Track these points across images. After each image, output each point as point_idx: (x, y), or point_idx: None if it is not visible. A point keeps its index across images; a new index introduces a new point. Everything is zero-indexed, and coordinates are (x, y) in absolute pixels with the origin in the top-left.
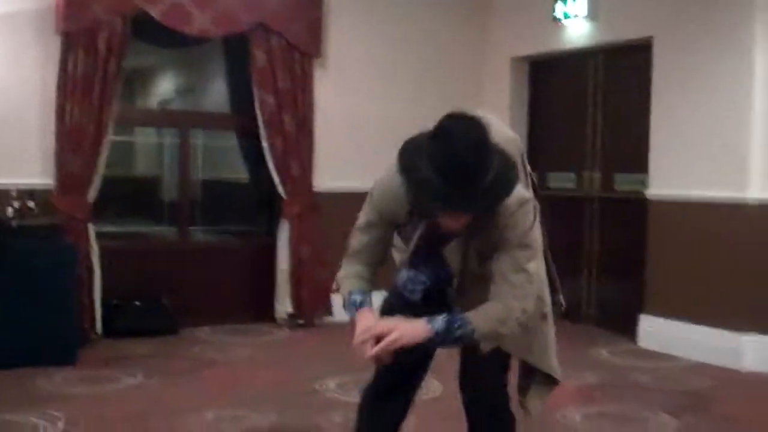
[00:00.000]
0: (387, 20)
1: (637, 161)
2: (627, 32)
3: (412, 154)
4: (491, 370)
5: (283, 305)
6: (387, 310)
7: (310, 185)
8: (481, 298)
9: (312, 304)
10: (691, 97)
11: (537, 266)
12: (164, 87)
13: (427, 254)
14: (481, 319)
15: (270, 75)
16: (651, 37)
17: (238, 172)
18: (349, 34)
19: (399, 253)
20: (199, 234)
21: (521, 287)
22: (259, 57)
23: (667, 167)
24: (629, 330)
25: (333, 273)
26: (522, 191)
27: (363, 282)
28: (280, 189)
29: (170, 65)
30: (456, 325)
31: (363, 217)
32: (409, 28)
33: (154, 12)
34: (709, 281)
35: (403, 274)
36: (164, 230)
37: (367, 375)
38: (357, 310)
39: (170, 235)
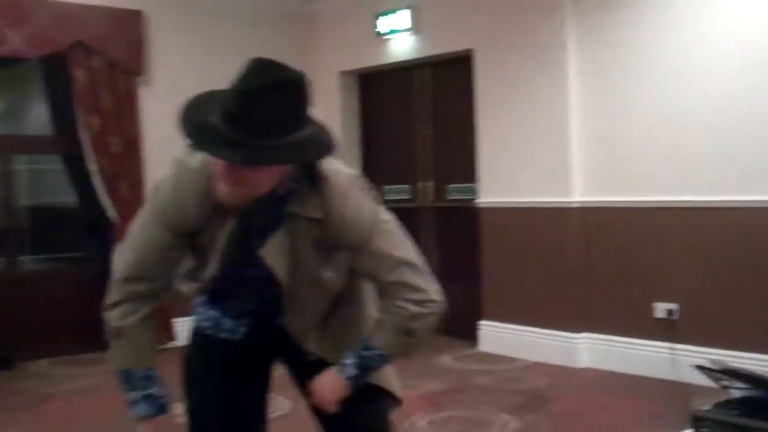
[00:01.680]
0: (211, 35)
1: (467, 171)
2: (449, 45)
3: (197, 105)
4: (367, 400)
5: None
6: (192, 379)
7: (141, 207)
8: (321, 309)
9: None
10: (512, 108)
11: (409, 249)
12: None
13: (236, 274)
14: (386, 340)
15: (92, 95)
16: (471, 49)
17: (67, 196)
18: (173, 50)
19: (189, 285)
20: (28, 263)
21: (407, 283)
22: (80, 77)
23: (494, 176)
24: (470, 335)
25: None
26: (348, 169)
27: (147, 345)
28: (111, 212)
29: None
30: (370, 364)
31: (139, 233)
32: (234, 43)
33: None
34: (540, 284)
35: (210, 314)
36: None
37: None
38: (151, 416)
39: None
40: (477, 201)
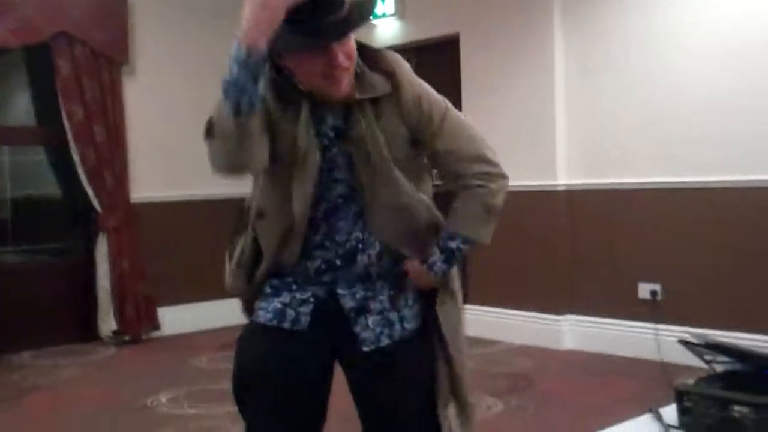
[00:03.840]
0: (197, 23)
1: None
2: (434, 29)
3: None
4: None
5: (107, 322)
6: (241, 385)
7: (126, 197)
8: (396, 247)
9: (137, 318)
10: (498, 92)
11: (472, 124)
12: None
13: (321, 199)
14: (471, 224)
15: (76, 85)
16: (457, 33)
17: (50, 187)
18: (157, 40)
19: (242, 265)
20: (11, 255)
21: (485, 158)
22: (63, 66)
23: None
24: None
25: (156, 286)
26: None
27: None
28: (95, 202)
29: None
30: (456, 255)
31: None
32: (219, 30)
33: None
34: (525, 267)
35: (274, 305)
36: None
37: (201, 387)
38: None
39: None
40: None
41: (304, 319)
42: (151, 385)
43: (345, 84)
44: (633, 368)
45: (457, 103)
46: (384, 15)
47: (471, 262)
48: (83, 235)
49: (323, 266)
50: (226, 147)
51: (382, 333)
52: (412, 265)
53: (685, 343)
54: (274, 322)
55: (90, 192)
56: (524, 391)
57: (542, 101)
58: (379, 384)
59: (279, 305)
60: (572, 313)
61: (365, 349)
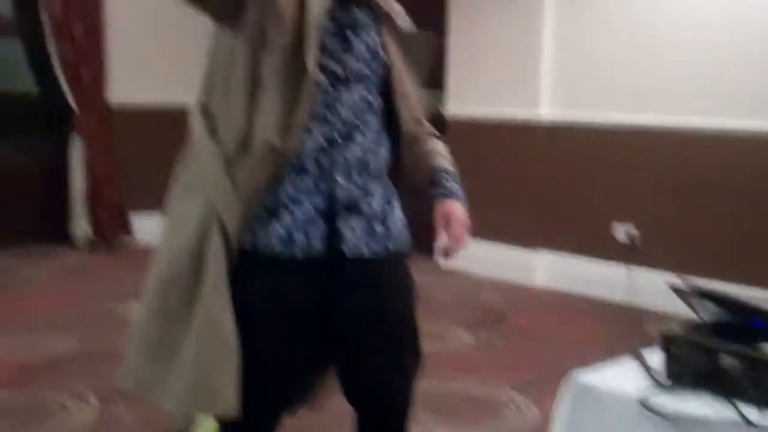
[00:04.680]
0: None
1: (434, 78)
2: None
3: None
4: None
5: (81, 227)
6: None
7: (103, 98)
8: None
9: (111, 225)
10: (485, 14)
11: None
12: None
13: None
14: (449, 163)
15: None
16: None
17: (25, 83)
18: None
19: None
20: None
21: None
22: None
23: (463, 84)
24: (428, 249)
25: (132, 192)
26: None
27: None
28: (71, 102)
29: None
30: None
31: None
32: None
33: None
34: (501, 199)
35: (285, 220)
36: None
37: None
38: None
39: None
40: (444, 110)
41: (318, 244)
42: (124, 292)
43: None
44: (605, 309)
45: (443, 29)
46: None
47: None
48: (58, 135)
49: (325, 144)
50: None
51: (367, 243)
52: (454, 207)
53: (674, 289)
54: (279, 249)
55: (66, 90)
56: (494, 325)
57: (529, 32)
58: (358, 293)
59: (281, 230)
60: (546, 248)
61: (347, 253)
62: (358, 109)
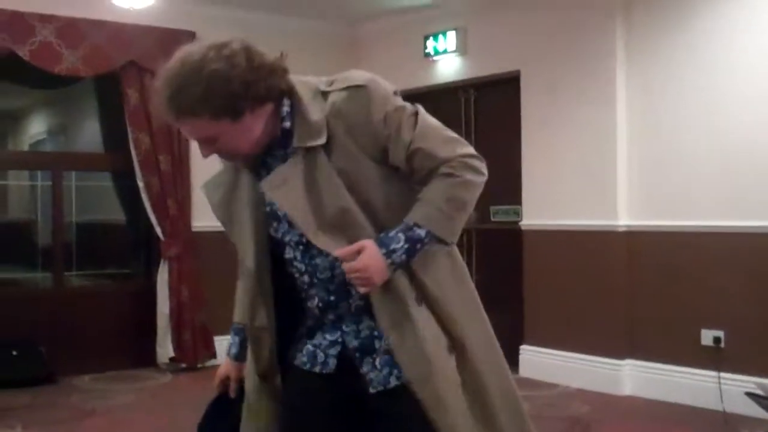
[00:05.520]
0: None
1: (512, 193)
2: (495, 66)
3: None
4: None
5: (165, 349)
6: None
7: (188, 225)
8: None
9: (194, 347)
10: (558, 130)
11: (458, 142)
12: (36, 128)
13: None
14: (428, 212)
15: (143, 114)
16: (518, 70)
17: (114, 213)
18: None
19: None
20: (75, 279)
21: (447, 155)
22: (132, 96)
23: (539, 198)
24: (512, 360)
25: (214, 314)
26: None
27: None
28: (158, 230)
29: (41, 106)
30: (415, 246)
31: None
32: None
33: (22, 52)
34: (585, 309)
35: (307, 348)
36: (39, 276)
37: None
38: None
39: (45, 281)
40: (521, 223)
41: (332, 362)
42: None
43: (204, 152)
44: (694, 417)
45: (517, 140)
46: (445, 51)
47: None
48: (145, 262)
49: (320, 305)
50: None
51: (390, 373)
52: (364, 256)
53: (751, 395)
54: (308, 366)
55: (153, 219)
56: None
57: (604, 140)
58: (387, 425)
59: (311, 347)
60: (632, 357)
61: (372, 390)
62: (338, 267)
